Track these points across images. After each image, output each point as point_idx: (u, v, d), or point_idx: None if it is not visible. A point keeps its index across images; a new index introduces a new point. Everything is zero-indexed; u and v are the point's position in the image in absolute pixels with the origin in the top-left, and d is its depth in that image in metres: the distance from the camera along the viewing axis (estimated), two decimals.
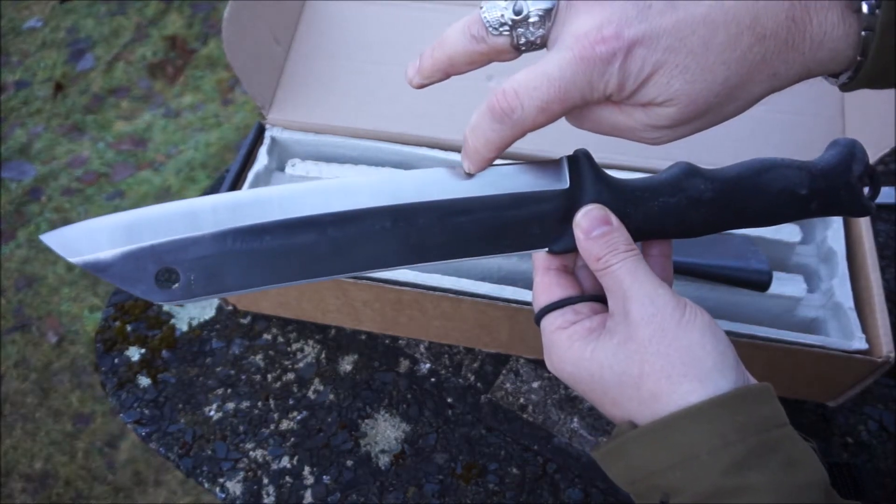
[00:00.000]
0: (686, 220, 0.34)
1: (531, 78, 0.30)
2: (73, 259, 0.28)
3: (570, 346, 0.32)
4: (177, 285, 0.30)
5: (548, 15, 0.31)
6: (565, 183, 0.34)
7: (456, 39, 0.32)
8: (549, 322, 0.34)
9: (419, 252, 0.33)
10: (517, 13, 0.31)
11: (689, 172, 0.34)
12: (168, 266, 0.29)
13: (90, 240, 0.29)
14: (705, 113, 0.30)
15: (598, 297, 0.34)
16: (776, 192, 0.34)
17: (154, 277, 0.29)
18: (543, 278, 0.35)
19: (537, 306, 0.35)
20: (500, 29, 0.31)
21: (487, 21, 0.31)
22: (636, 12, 0.28)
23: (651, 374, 0.30)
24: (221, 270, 0.30)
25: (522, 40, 0.32)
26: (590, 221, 0.33)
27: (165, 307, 0.66)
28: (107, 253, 0.29)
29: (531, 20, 0.31)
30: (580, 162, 0.34)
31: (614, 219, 0.33)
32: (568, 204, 0.34)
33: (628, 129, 0.32)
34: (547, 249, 0.34)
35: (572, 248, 0.34)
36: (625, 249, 0.32)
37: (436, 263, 0.33)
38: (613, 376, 0.31)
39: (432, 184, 0.33)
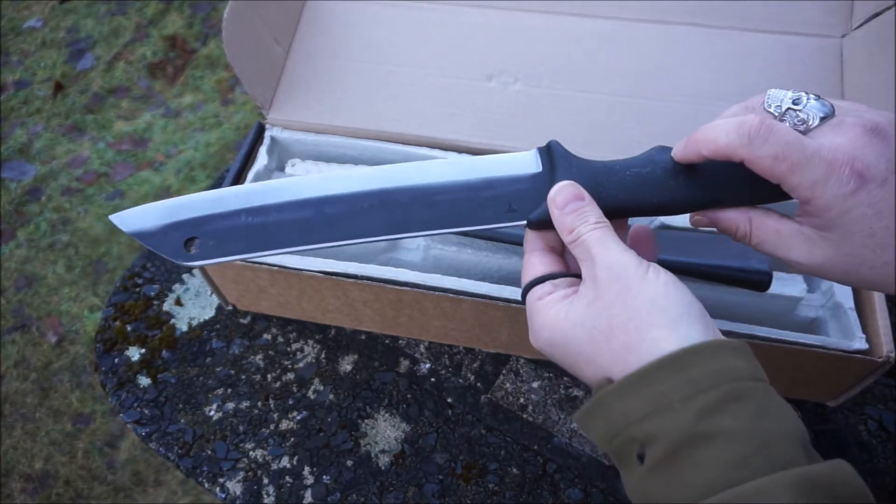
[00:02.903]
0: (660, 188, 0.36)
1: (786, 132, 0.31)
2: (126, 229, 0.37)
3: (546, 313, 0.34)
4: (197, 250, 0.37)
5: (823, 121, 0.32)
6: (538, 167, 0.38)
7: (724, 133, 0.33)
8: (531, 295, 0.36)
9: (403, 226, 0.37)
10: (795, 102, 0.33)
11: (662, 149, 0.37)
12: (193, 235, 0.37)
13: (141, 216, 0.37)
14: (838, 274, 0.33)
15: (578, 275, 0.36)
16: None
17: (182, 244, 0.37)
18: (529, 258, 0.37)
19: (522, 284, 0.37)
20: (778, 113, 0.34)
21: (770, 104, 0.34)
22: (885, 167, 0.30)
23: (620, 327, 0.31)
24: (233, 238, 0.37)
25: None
26: (563, 197, 0.35)
27: (165, 307, 0.66)
28: (151, 224, 0.37)
29: (809, 122, 0.33)
30: (552, 148, 0.38)
31: (586, 195, 0.35)
32: (542, 183, 0.37)
33: (784, 233, 0.34)
34: (525, 223, 0.37)
35: (547, 219, 0.36)
36: (594, 221, 0.34)
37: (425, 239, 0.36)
38: (585, 332, 0.32)
39: (415, 170, 0.38)
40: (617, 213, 0.36)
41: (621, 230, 0.37)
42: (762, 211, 0.35)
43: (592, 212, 0.35)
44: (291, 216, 0.37)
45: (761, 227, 0.35)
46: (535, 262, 0.37)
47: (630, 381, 0.30)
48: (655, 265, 0.32)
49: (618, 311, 0.31)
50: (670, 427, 0.28)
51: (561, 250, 0.38)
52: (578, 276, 0.36)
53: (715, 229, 0.38)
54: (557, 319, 0.34)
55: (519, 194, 0.37)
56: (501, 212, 0.37)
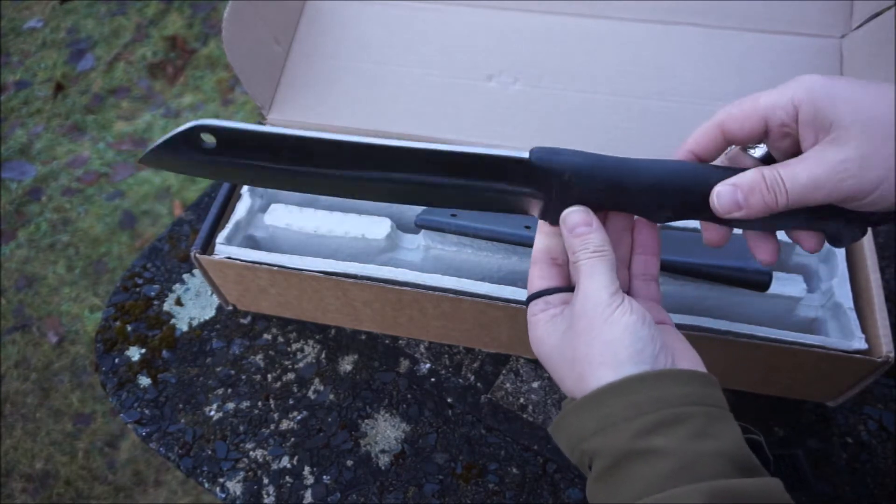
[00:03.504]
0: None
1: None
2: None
3: (536, 329, 0.38)
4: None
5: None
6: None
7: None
8: (529, 310, 0.39)
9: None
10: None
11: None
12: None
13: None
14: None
15: (569, 289, 0.39)
16: None
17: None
18: (532, 270, 0.40)
19: (527, 295, 0.40)
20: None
21: None
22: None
23: (579, 360, 0.35)
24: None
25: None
26: (573, 221, 0.37)
27: (165, 307, 0.66)
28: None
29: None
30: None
31: (595, 221, 0.37)
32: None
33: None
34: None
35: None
36: (593, 250, 0.36)
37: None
38: (558, 357, 0.37)
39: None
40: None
41: (627, 222, 0.40)
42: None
43: (596, 240, 0.37)
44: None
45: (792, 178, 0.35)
46: (535, 275, 0.40)
47: (585, 401, 0.34)
48: (626, 304, 0.35)
49: (580, 346, 0.35)
50: (611, 444, 0.32)
51: (563, 261, 0.40)
52: (571, 290, 0.39)
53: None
54: (543, 340, 0.38)
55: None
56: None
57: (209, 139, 0.39)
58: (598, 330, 0.34)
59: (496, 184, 0.38)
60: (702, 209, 0.37)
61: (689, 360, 0.36)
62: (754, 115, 0.35)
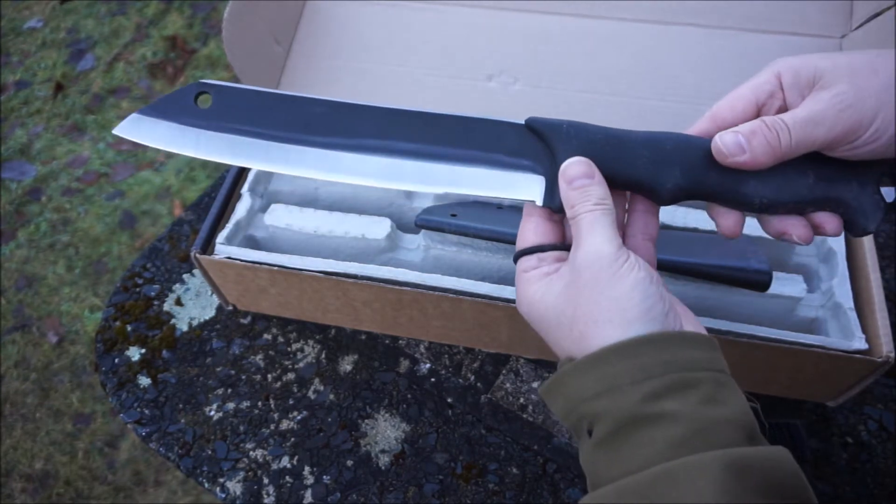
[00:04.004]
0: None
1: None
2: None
3: (527, 287, 0.36)
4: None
5: None
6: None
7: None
8: (519, 265, 0.37)
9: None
10: None
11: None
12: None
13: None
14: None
15: (565, 246, 0.37)
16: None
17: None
18: (524, 223, 0.38)
19: (516, 249, 0.38)
20: None
21: None
22: None
23: (581, 318, 0.33)
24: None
25: None
26: (573, 172, 0.35)
27: (165, 307, 0.66)
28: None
29: None
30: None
31: (597, 173, 0.35)
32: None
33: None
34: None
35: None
36: (595, 202, 0.34)
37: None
38: (554, 317, 0.34)
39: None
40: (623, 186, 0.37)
41: (620, 198, 0.38)
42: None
43: (597, 192, 0.35)
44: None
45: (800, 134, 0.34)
46: (529, 229, 0.38)
47: (587, 361, 0.32)
48: (632, 260, 0.33)
49: (583, 302, 0.33)
50: (616, 407, 0.30)
51: (559, 218, 0.38)
52: (567, 248, 0.37)
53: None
54: (535, 298, 0.35)
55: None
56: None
57: (205, 102, 0.38)
58: (604, 285, 0.32)
59: (493, 154, 0.38)
60: (704, 169, 0.35)
61: (692, 322, 0.34)
62: (743, 97, 0.35)
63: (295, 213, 0.58)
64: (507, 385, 0.60)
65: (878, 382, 0.58)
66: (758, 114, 0.35)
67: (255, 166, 0.39)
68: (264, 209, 0.60)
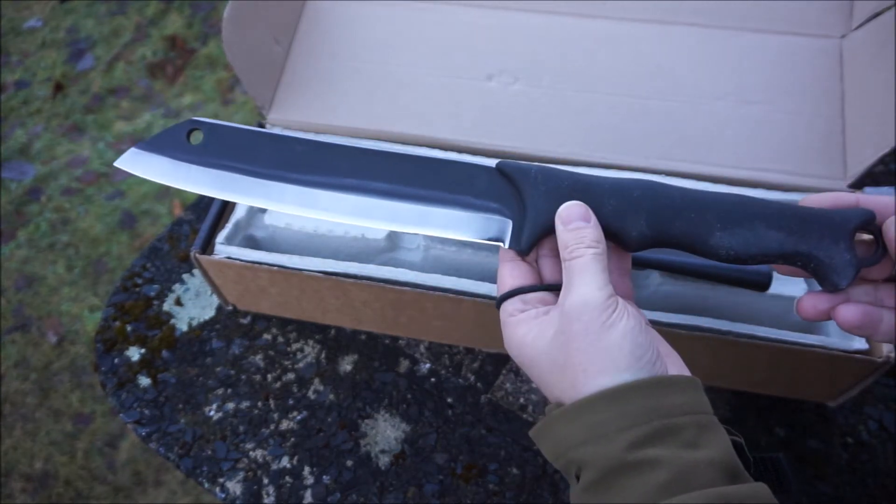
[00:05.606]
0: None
1: None
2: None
3: (515, 331, 0.37)
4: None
5: None
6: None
7: None
8: (503, 309, 0.38)
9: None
10: None
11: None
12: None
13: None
14: None
15: (546, 287, 0.38)
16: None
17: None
18: (501, 270, 0.39)
19: (497, 296, 0.39)
20: None
21: None
22: None
23: (572, 366, 0.33)
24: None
25: None
26: (570, 214, 0.36)
27: (165, 307, 0.66)
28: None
29: None
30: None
31: (592, 217, 0.36)
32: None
33: None
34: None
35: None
36: (588, 245, 0.35)
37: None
38: (546, 362, 0.35)
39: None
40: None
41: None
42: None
43: (592, 235, 0.36)
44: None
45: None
46: (506, 274, 0.38)
47: (575, 408, 0.33)
48: (621, 307, 0.34)
49: (574, 352, 0.33)
50: (602, 455, 0.31)
51: (533, 258, 0.39)
52: (548, 288, 0.38)
53: None
54: (525, 342, 0.36)
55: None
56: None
57: (196, 139, 0.40)
58: (594, 336, 0.33)
59: (462, 196, 0.39)
60: (670, 219, 0.36)
61: (673, 362, 0.35)
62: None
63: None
64: (507, 385, 0.60)
65: (879, 382, 0.58)
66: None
67: (240, 201, 0.41)
68: (264, 209, 0.60)
